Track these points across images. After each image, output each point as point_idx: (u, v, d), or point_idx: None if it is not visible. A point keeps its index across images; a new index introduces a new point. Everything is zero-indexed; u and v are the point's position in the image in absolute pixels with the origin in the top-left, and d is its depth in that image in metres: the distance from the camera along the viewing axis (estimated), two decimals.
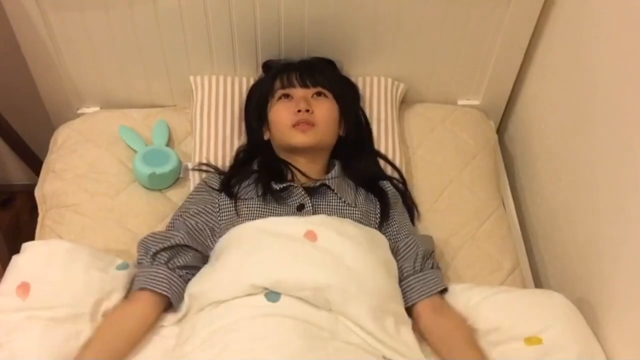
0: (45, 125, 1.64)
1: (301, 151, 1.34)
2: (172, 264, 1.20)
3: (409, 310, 1.21)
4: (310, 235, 1.18)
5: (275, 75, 1.41)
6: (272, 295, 1.08)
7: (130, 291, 1.20)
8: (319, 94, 1.37)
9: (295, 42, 1.50)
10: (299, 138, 1.31)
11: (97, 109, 1.62)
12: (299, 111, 1.31)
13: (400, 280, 1.24)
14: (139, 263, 1.22)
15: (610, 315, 1.17)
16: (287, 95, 1.37)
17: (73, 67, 1.52)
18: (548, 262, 1.47)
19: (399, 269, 1.25)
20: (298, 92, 1.36)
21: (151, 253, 1.20)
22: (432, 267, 1.26)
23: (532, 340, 1.12)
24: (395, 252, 1.28)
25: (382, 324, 1.12)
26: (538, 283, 1.48)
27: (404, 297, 1.22)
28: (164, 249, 1.20)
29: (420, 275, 1.24)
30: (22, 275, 1.13)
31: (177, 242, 1.21)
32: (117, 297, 1.17)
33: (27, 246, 1.19)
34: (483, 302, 1.21)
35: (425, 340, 1.19)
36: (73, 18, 1.41)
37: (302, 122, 1.31)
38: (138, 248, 1.23)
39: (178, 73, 1.56)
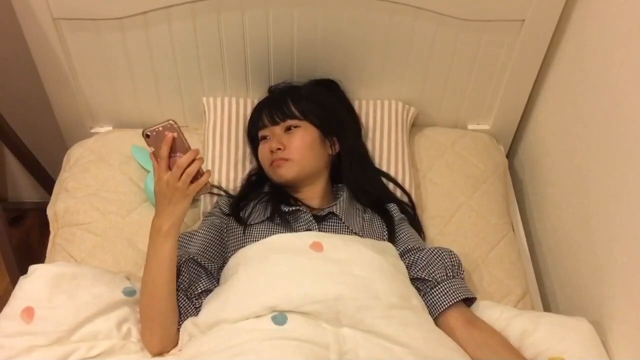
0: (58, 143, 1.66)
1: (290, 184, 1.36)
2: (190, 291, 1.21)
3: (439, 322, 1.22)
4: (316, 246, 1.19)
5: (251, 118, 1.47)
6: (279, 318, 1.08)
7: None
8: (289, 128, 1.37)
9: (307, 65, 1.52)
10: (277, 174, 1.34)
11: (110, 128, 1.63)
12: (272, 151, 1.35)
13: (432, 288, 1.25)
14: None
15: (621, 343, 1.16)
16: (265, 137, 1.40)
17: (88, 86, 1.54)
18: (558, 288, 1.46)
19: (428, 278, 1.26)
20: (271, 130, 1.39)
21: None
22: (462, 277, 1.28)
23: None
24: (413, 264, 1.28)
25: (400, 321, 1.11)
26: (547, 309, 1.47)
27: (437, 304, 1.23)
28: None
29: (454, 280, 1.25)
30: (27, 299, 1.14)
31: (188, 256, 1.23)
32: (125, 324, 1.19)
33: (33, 269, 1.19)
34: (508, 320, 1.22)
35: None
36: (89, 39, 1.43)
37: (276, 160, 1.34)
38: None
39: (191, 94, 1.57)
